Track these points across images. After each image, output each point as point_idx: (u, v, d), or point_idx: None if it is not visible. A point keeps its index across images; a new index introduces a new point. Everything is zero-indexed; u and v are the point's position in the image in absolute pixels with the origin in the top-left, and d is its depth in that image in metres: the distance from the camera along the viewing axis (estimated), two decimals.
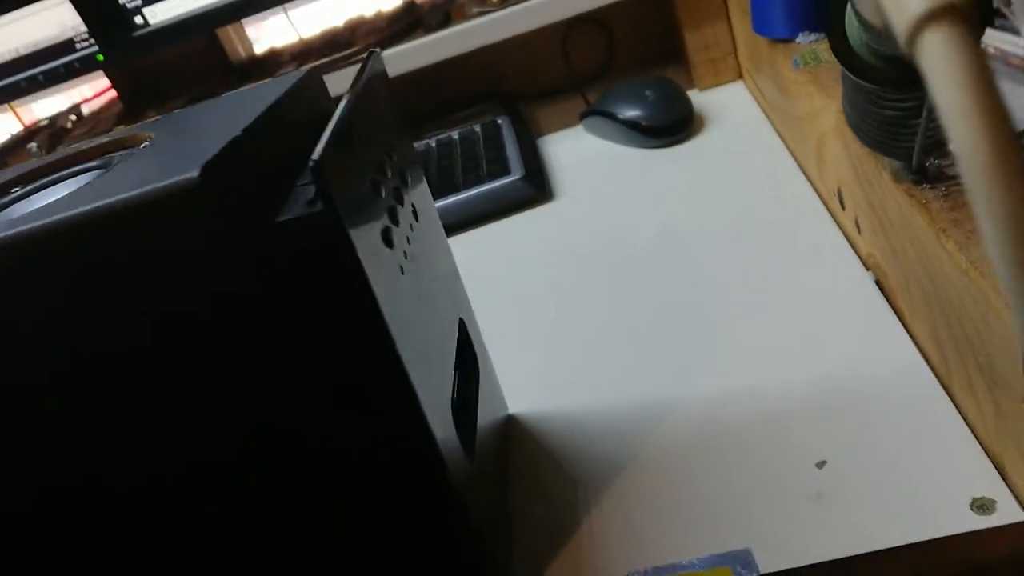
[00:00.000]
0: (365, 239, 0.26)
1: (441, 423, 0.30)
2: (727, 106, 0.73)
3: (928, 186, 0.35)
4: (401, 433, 0.28)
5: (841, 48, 0.33)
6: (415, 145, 0.81)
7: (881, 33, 0.29)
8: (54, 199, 0.26)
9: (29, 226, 0.24)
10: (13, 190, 0.32)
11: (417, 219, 0.34)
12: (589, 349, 0.48)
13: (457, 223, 0.68)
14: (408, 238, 0.31)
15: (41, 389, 0.26)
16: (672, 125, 0.70)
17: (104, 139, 0.35)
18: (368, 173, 0.28)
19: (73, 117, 1.03)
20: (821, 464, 0.35)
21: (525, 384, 0.47)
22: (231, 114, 0.30)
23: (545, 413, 0.44)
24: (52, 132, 0.98)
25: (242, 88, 0.36)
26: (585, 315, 0.52)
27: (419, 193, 0.36)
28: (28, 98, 1.10)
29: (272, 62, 0.89)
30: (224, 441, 0.28)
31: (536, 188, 0.68)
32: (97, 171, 0.32)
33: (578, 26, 0.88)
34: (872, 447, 0.35)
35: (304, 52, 0.87)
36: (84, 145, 0.36)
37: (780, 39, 0.59)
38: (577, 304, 0.53)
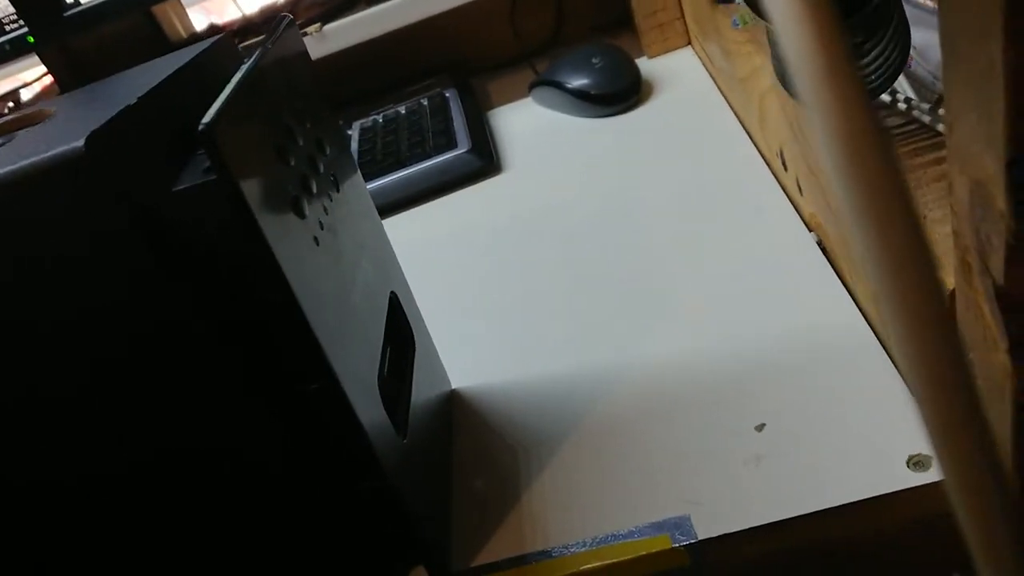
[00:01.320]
0: (269, 208, 0.25)
1: (366, 399, 0.29)
2: (676, 72, 0.72)
3: None
4: (320, 410, 0.27)
5: None
6: (363, 121, 0.79)
7: None
8: None
9: None
10: None
11: (338, 189, 0.33)
12: (535, 321, 0.47)
13: (404, 198, 0.66)
14: (325, 208, 0.30)
15: None
16: (620, 93, 0.69)
17: (9, 118, 0.34)
18: (273, 140, 0.27)
19: (11, 104, 1.00)
20: (761, 427, 0.35)
21: (470, 358, 0.46)
22: (137, 84, 0.29)
23: (490, 386, 0.43)
24: None
25: (161, 57, 0.34)
26: (530, 287, 0.51)
27: (341, 163, 0.34)
28: None
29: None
30: (132, 434, 0.26)
31: (483, 161, 0.67)
32: None
33: None
34: (812, 408, 0.35)
35: (245, 28, 0.85)
36: None
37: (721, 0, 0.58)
38: (522, 276, 0.52)
